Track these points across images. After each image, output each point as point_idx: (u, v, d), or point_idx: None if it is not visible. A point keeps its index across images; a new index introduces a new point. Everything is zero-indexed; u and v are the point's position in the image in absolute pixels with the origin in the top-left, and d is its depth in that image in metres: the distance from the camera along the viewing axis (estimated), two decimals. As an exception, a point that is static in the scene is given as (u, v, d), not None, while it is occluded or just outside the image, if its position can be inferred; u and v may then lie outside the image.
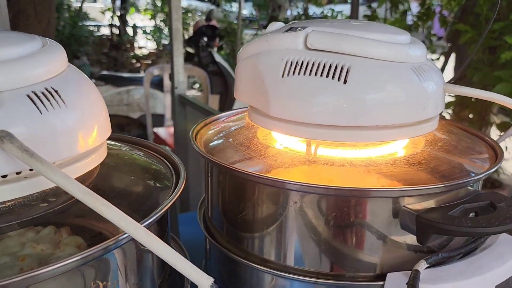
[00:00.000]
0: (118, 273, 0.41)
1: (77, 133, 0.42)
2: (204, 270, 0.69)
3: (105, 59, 6.38)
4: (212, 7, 6.52)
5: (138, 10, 7.46)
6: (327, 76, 0.53)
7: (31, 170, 0.39)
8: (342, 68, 0.52)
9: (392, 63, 0.54)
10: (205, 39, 3.86)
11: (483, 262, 0.52)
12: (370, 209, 0.51)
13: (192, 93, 4.72)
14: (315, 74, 0.53)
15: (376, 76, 0.52)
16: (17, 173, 0.38)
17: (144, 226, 0.37)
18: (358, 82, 0.52)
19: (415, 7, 2.62)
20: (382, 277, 0.52)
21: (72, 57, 5.74)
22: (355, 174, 0.55)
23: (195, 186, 1.65)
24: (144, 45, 7.22)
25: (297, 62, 0.55)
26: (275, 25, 0.62)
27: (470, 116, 2.20)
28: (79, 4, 6.92)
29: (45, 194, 0.42)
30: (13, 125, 0.37)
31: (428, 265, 0.50)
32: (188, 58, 3.88)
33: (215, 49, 4.09)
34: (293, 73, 0.54)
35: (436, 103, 0.57)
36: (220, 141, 0.66)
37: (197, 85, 4.81)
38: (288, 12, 5.02)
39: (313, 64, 0.54)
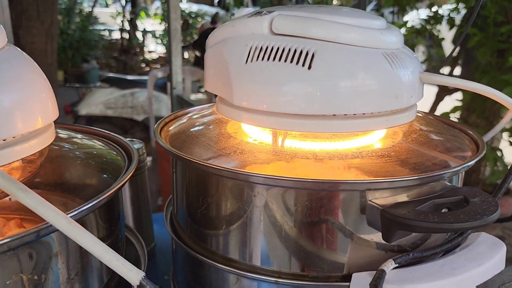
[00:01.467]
0: (58, 261, 0.38)
1: (10, 114, 0.39)
2: (172, 271, 0.66)
3: (114, 62, 6.42)
4: (222, 11, 6.53)
5: (148, 15, 7.50)
6: (291, 61, 0.49)
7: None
8: (307, 53, 0.49)
9: (361, 48, 0.50)
10: (211, 42, 3.84)
11: (458, 263, 0.48)
12: (336, 204, 0.47)
13: (198, 97, 4.71)
14: (279, 60, 0.50)
15: (342, 61, 0.49)
16: None
17: (84, 211, 0.34)
18: (323, 68, 0.48)
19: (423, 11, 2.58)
20: (349, 278, 0.48)
21: (82, 61, 5.78)
22: (324, 168, 0.52)
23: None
24: (154, 49, 7.25)
25: (261, 48, 0.51)
26: (244, 11, 0.59)
27: (478, 121, 2.15)
28: (90, 9, 6.97)
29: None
30: None
31: (397, 265, 0.46)
32: (196, 62, 3.86)
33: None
34: (257, 59, 0.51)
35: (411, 92, 0.53)
36: (187, 134, 0.63)
37: (203, 89, 4.80)
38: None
39: (278, 49, 0.50)
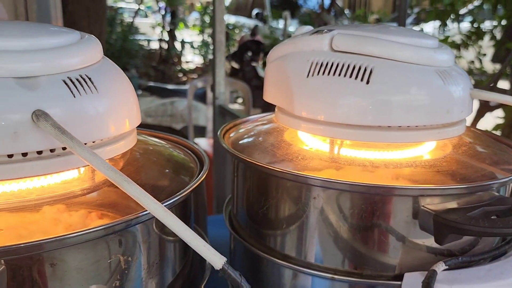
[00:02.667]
0: (139, 249, 0.43)
1: (106, 118, 0.45)
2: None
3: (153, 72, 6.58)
4: (260, 23, 6.62)
5: (186, 26, 7.67)
6: (350, 76, 0.54)
7: (64, 149, 0.42)
8: (365, 69, 0.54)
9: (416, 65, 0.54)
10: (250, 53, 3.93)
11: (505, 269, 0.51)
12: (390, 208, 0.51)
13: (234, 107, 4.79)
14: (339, 75, 0.55)
15: (398, 77, 0.53)
16: (51, 151, 0.41)
17: (165, 206, 0.39)
18: (380, 82, 0.53)
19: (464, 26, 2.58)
20: (400, 277, 0.52)
21: (122, 69, 5.95)
22: (377, 175, 0.56)
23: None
24: (191, 59, 7.41)
25: (322, 63, 0.56)
26: (304, 29, 0.64)
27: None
28: (131, 19, 7.19)
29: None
30: (48, 106, 0.40)
31: (447, 267, 0.50)
32: (232, 73, 3.95)
33: (259, 64, 4.15)
34: (318, 73, 0.56)
35: (462, 107, 0.57)
36: (247, 140, 0.68)
37: (239, 100, 4.88)
38: (334, 30, 5.02)
39: (337, 65, 0.55)
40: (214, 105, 1.99)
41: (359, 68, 0.54)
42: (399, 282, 0.52)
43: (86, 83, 0.43)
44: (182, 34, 7.62)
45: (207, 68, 6.74)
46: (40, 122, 0.39)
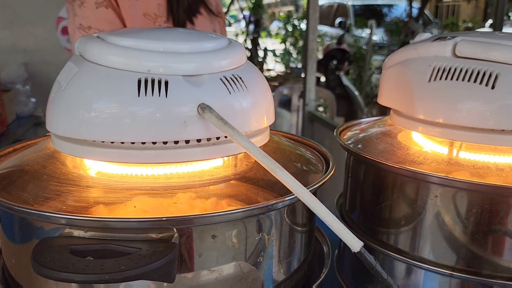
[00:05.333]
0: (276, 233, 0.48)
1: (252, 113, 0.51)
2: (337, 261, 0.75)
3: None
4: (342, 32, 6.60)
5: (269, 34, 7.81)
6: (475, 81, 0.56)
7: (217, 138, 0.48)
8: (490, 74, 0.55)
9: (543, 71, 0.55)
10: (335, 62, 3.94)
11: None
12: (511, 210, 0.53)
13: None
14: (462, 80, 0.57)
15: (525, 82, 0.54)
16: (207, 140, 0.48)
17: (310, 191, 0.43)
18: (506, 88, 0.54)
19: None
20: (520, 279, 0.53)
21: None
22: (498, 178, 0.57)
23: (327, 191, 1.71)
24: (273, 67, 7.53)
25: (444, 68, 0.59)
26: (423, 36, 0.66)
27: None
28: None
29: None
30: (210, 100, 0.46)
31: None
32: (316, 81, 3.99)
33: (343, 72, 4.15)
34: (440, 78, 0.58)
35: None
36: (360, 141, 0.72)
37: (321, 108, 4.89)
38: (421, 39, 4.89)
39: (461, 70, 0.57)
40: (304, 111, 2.03)
41: (484, 74, 0.56)
42: (519, 283, 0.53)
43: (238, 81, 0.49)
44: (265, 42, 7.77)
45: (288, 76, 6.81)
46: (206, 114, 0.45)
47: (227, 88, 0.48)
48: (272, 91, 4.08)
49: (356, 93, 3.82)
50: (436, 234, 0.57)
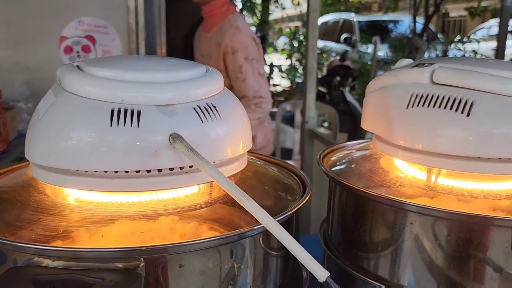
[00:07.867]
0: (249, 260, 0.49)
1: (226, 141, 0.51)
2: (319, 285, 0.75)
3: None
4: (347, 48, 6.63)
5: (276, 50, 7.87)
6: (451, 108, 0.56)
7: (190, 167, 0.49)
8: (466, 102, 0.56)
9: (518, 99, 0.55)
10: (338, 78, 3.96)
11: None
12: (487, 239, 0.53)
13: (320, 131, 4.81)
14: (439, 107, 0.57)
15: (499, 110, 0.55)
16: (180, 168, 0.48)
17: (281, 219, 0.44)
18: (481, 115, 0.55)
19: None
20: (498, 309, 0.53)
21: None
22: (473, 205, 0.57)
23: (318, 213, 1.71)
24: (278, 82, 7.56)
25: (422, 95, 0.59)
26: (404, 62, 0.67)
27: None
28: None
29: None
30: (182, 130, 0.47)
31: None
32: (318, 97, 3.99)
33: (347, 88, 4.16)
34: (418, 105, 0.59)
35: None
36: (343, 166, 0.72)
37: (325, 124, 4.90)
38: (426, 55, 4.92)
39: (438, 97, 0.58)
40: (304, 129, 2.04)
41: (460, 101, 0.56)
42: (498, 313, 0.52)
43: (212, 110, 0.50)
44: (271, 57, 7.82)
45: (294, 91, 6.84)
46: (176, 144, 0.46)
47: (200, 117, 0.49)
48: (276, 107, 4.11)
49: (360, 109, 3.83)
50: (414, 261, 0.57)
